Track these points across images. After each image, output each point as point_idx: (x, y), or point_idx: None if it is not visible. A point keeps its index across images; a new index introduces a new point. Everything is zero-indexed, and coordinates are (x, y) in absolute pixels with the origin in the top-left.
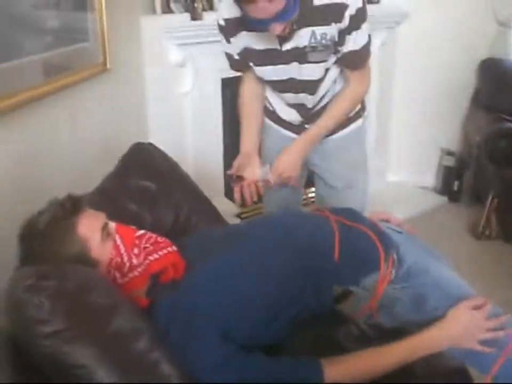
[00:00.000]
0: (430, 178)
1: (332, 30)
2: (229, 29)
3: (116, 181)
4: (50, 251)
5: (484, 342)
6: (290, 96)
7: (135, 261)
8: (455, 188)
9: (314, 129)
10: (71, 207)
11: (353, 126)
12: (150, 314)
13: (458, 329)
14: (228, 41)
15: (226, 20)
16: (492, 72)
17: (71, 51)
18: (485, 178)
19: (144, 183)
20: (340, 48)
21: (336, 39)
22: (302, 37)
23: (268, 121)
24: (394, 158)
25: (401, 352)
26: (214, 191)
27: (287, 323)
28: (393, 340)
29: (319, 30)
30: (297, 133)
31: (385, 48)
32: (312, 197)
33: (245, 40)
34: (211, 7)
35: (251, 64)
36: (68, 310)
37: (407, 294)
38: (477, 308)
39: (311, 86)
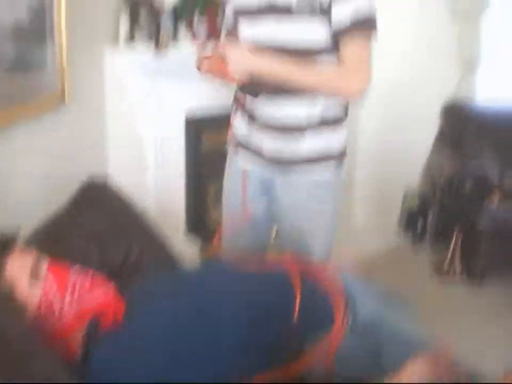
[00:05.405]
0: (393, 217)
1: None
2: None
3: (65, 216)
4: None
5: None
6: None
7: (66, 307)
8: (419, 227)
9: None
10: (0, 246)
11: (328, 174)
12: (86, 367)
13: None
14: None
15: None
16: (455, 118)
17: (28, 83)
18: (448, 218)
19: (95, 220)
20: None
21: None
22: None
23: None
24: (358, 197)
25: None
26: (175, 229)
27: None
28: None
29: None
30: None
31: None
32: None
33: None
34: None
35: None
36: None
37: (363, 352)
38: (435, 362)
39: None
